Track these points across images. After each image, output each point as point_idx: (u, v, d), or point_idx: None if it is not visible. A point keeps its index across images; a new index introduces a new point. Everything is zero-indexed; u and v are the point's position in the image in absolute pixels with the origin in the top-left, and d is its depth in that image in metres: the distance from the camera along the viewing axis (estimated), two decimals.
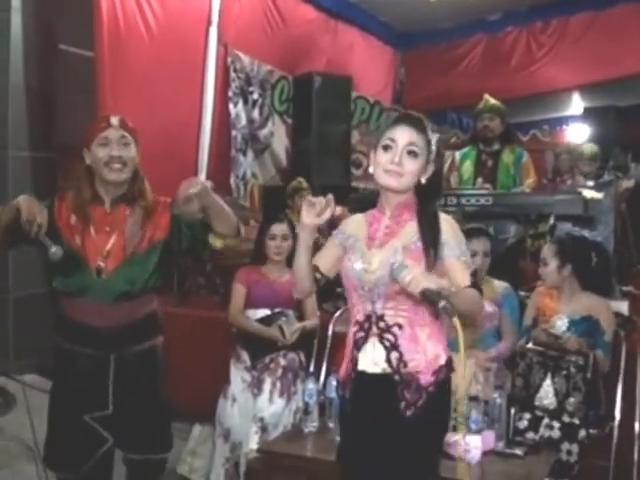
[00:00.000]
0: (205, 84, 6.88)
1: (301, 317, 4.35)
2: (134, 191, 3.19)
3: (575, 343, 3.74)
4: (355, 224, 2.66)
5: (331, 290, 4.83)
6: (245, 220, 5.84)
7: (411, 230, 2.53)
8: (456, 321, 2.29)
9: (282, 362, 4.21)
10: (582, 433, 3.64)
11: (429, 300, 2.28)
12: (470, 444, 3.17)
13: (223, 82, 7.12)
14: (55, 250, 2.94)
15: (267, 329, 4.22)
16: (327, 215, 2.50)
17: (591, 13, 8.40)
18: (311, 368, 4.23)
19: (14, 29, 5.07)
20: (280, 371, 4.18)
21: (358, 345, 2.54)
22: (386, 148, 2.52)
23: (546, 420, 3.70)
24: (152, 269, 3.18)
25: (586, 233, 4.30)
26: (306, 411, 3.70)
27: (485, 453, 3.27)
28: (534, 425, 3.70)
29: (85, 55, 5.49)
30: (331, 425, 3.62)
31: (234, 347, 4.33)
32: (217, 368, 4.32)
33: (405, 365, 2.49)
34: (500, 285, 4.05)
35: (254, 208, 7.33)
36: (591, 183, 6.27)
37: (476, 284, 2.52)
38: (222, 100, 7.14)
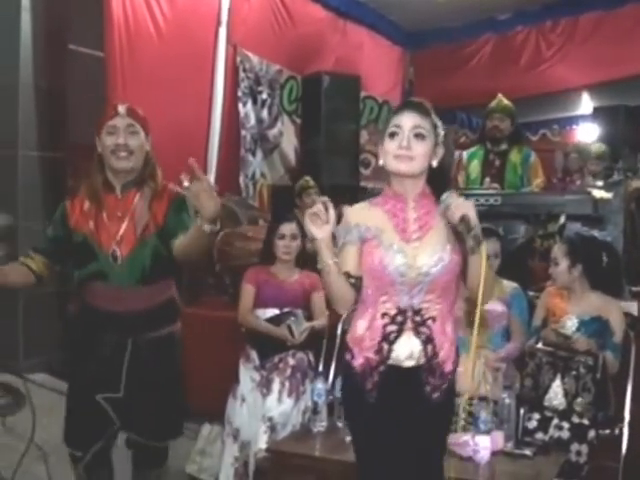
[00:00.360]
0: (214, 84, 6.90)
1: (310, 317, 4.35)
2: (144, 177, 3.20)
3: (585, 343, 3.73)
4: (369, 214, 2.59)
5: None
6: (254, 220, 5.87)
7: (442, 222, 2.53)
8: (483, 249, 2.39)
9: (291, 362, 4.21)
10: (591, 434, 3.63)
11: (465, 226, 2.38)
12: (479, 444, 3.18)
13: (232, 82, 7.13)
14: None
15: (276, 329, 4.23)
16: (332, 216, 2.45)
17: (601, 13, 8.37)
18: (320, 368, 4.22)
19: (24, 29, 5.08)
20: (289, 371, 4.18)
21: (390, 339, 2.51)
22: (392, 135, 2.52)
23: (555, 421, 3.69)
24: (163, 251, 3.16)
25: (595, 233, 4.29)
26: (315, 411, 3.71)
27: (494, 453, 3.27)
28: (543, 426, 3.69)
29: (95, 55, 5.51)
30: (340, 425, 3.62)
31: (243, 347, 4.34)
32: (226, 368, 4.33)
33: (436, 356, 2.53)
34: (509, 285, 4.04)
35: (263, 208, 7.34)
36: (600, 183, 6.26)
37: None
38: (231, 100, 7.15)
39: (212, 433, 4.46)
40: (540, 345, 3.91)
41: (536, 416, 3.72)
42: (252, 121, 7.42)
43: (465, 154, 6.13)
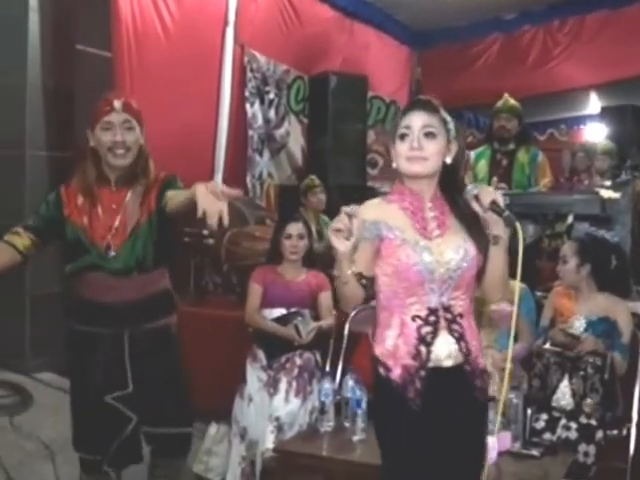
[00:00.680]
0: (222, 84, 6.90)
1: (317, 316, 4.35)
2: (137, 170, 3.19)
3: (592, 343, 3.73)
4: (386, 211, 2.51)
5: None
6: (261, 220, 5.87)
7: (455, 221, 2.53)
8: (518, 227, 2.40)
9: (298, 361, 4.21)
10: (599, 434, 3.63)
11: (496, 209, 2.39)
12: (487, 445, 3.17)
13: (240, 82, 7.13)
14: None
15: (283, 328, 4.23)
16: (356, 227, 2.31)
17: (608, 12, 8.34)
18: (327, 367, 4.22)
19: (31, 29, 5.09)
20: (296, 370, 4.18)
21: (427, 340, 2.45)
22: (403, 137, 2.48)
23: (563, 421, 3.68)
24: (156, 240, 3.17)
25: (603, 233, 4.28)
26: (322, 411, 3.70)
27: (501, 454, 3.26)
28: (551, 426, 3.68)
29: (102, 55, 5.51)
30: (347, 425, 3.62)
31: (250, 346, 4.34)
32: (233, 367, 4.33)
33: (469, 353, 2.49)
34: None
35: (270, 208, 7.33)
36: (608, 183, 6.25)
37: None
38: (238, 100, 7.15)
39: (219, 433, 4.46)
40: (548, 345, 3.91)
41: (544, 416, 3.72)
42: (259, 121, 7.42)
43: (472, 154, 6.12)
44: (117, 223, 3.14)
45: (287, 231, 4.33)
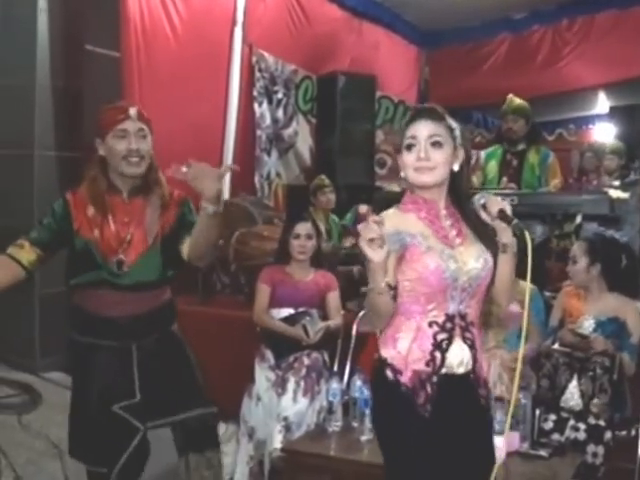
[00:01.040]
0: (230, 84, 6.90)
1: (325, 316, 4.36)
2: (150, 181, 3.12)
3: (602, 343, 3.72)
4: (406, 221, 2.48)
5: (355, 289, 4.83)
6: (269, 220, 5.87)
7: (470, 229, 2.53)
8: (527, 235, 2.41)
9: (306, 361, 4.21)
10: (608, 435, 3.62)
11: (504, 218, 2.41)
12: (495, 445, 3.16)
13: (248, 82, 7.13)
14: None
15: (291, 328, 4.23)
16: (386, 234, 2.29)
17: (617, 11, 8.32)
18: (335, 367, 4.23)
19: (40, 29, 5.10)
20: (304, 370, 4.18)
21: (442, 347, 2.44)
22: (409, 147, 2.47)
23: (571, 422, 3.67)
24: (168, 258, 3.12)
25: (612, 233, 4.27)
26: (330, 410, 3.71)
27: (509, 454, 3.26)
28: (559, 426, 3.68)
29: (111, 55, 5.52)
30: (355, 425, 3.62)
31: (258, 346, 4.35)
32: (241, 367, 4.34)
33: (477, 361, 2.50)
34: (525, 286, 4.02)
35: (278, 207, 7.33)
36: (617, 183, 6.23)
37: None
38: (247, 100, 7.15)
39: (227, 432, 4.47)
40: (557, 346, 3.91)
41: (552, 417, 3.71)
42: (267, 121, 7.42)
43: (483, 153, 6.12)
44: (129, 237, 3.06)
45: (295, 231, 4.34)
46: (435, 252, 2.43)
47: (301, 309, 4.30)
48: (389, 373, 2.46)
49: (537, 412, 3.56)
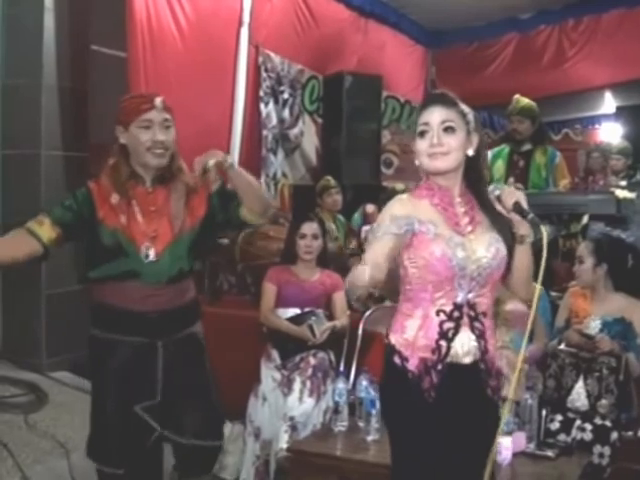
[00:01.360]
0: (236, 84, 6.89)
1: (331, 316, 4.36)
2: (173, 170, 3.06)
3: (608, 343, 3.72)
4: (417, 207, 2.48)
5: None
6: (275, 219, 5.87)
7: (486, 217, 2.52)
8: (543, 229, 2.40)
9: (312, 361, 4.22)
10: (614, 435, 3.61)
11: (519, 211, 2.40)
12: (501, 445, 3.16)
13: (254, 82, 7.13)
14: None
15: (297, 328, 4.24)
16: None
17: (623, 10, 8.29)
18: (341, 367, 4.23)
19: (47, 30, 5.10)
20: (310, 370, 4.19)
21: (448, 336, 2.44)
22: (422, 134, 2.47)
23: (578, 422, 3.67)
24: (192, 248, 3.06)
25: (619, 233, 4.27)
26: (336, 410, 3.71)
27: (516, 454, 3.26)
28: (566, 427, 3.67)
29: (117, 56, 5.52)
30: (361, 425, 3.62)
31: (265, 346, 4.35)
32: (248, 367, 4.34)
33: (487, 351, 2.50)
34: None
35: (284, 207, 7.34)
36: (624, 182, 6.22)
37: None
38: (253, 100, 7.15)
39: (233, 432, 4.47)
40: (563, 346, 3.90)
41: (559, 417, 3.71)
42: (273, 121, 7.42)
43: (489, 153, 6.10)
44: (156, 227, 2.98)
45: (301, 231, 4.34)
46: (442, 240, 2.42)
47: (307, 309, 4.30)
48: (397, 359, 2.48)
49: (543, 412, 3.55)
